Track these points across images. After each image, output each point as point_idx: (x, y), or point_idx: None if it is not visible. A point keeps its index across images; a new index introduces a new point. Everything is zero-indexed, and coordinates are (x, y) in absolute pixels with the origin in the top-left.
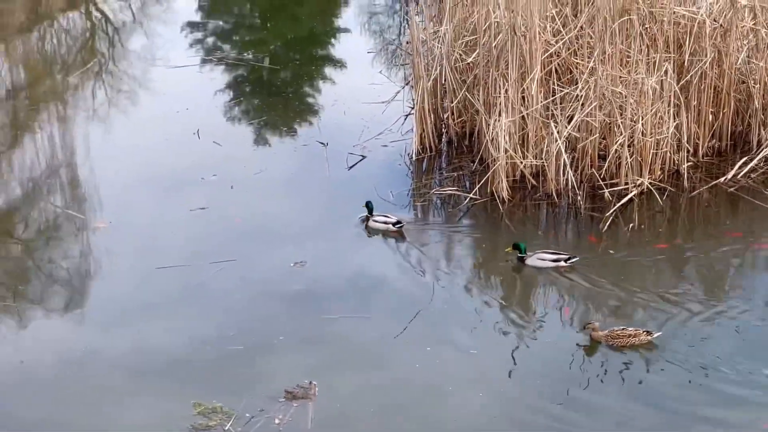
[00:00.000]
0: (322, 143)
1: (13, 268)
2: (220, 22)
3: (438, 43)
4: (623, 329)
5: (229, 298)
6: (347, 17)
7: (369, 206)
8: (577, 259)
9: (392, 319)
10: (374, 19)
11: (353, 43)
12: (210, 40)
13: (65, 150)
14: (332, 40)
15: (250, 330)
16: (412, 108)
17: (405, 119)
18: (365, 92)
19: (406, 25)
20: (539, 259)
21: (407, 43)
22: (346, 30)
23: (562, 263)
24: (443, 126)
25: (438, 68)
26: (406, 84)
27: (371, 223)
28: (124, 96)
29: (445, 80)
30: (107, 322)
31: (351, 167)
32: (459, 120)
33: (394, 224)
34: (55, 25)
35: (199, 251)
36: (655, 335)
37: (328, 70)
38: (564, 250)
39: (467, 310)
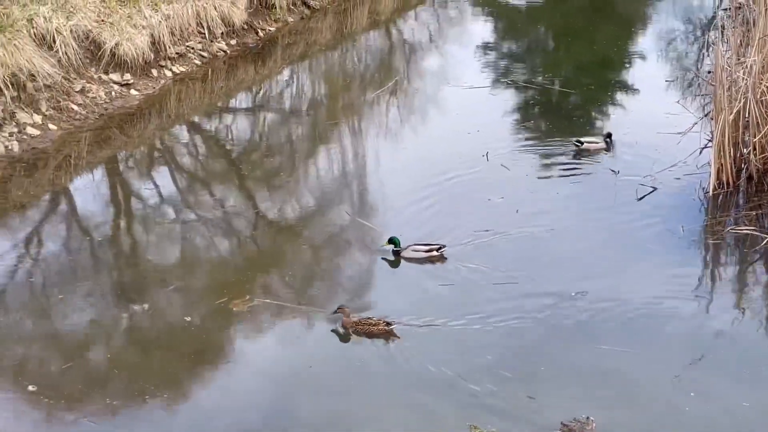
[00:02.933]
0: (613, 171)
1: (303, 272)
2: (514, 45)
3: (743, 74)
4: (368, 318)
5: (507, 323)
6: (644, 43)
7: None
8: (447, 248)
9: (674, 358)
10: (672, 45)
11: (648, 69)
12: (502, 62)
13: (357, 162)
14: (627, 66)
15: (526, 355)
16: (710, 140)
17: (700, 152)
18: (660, 121)
19: (706, 54)
20: (413, 250)
21: (708, 72)
22: (641, 56)
23: (434, 253)
24: (743, 161)
25: (742, 100)
26: (705, 115)
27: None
28: (416, 113)
29: (748, 113)
30: None
31: (641, 198)
32: (761, 156)
33: None
34: (357, 43)
35: (479, 271)
36: (394, 326)
37: (621, 96)
38: None
39: (748, 360)
